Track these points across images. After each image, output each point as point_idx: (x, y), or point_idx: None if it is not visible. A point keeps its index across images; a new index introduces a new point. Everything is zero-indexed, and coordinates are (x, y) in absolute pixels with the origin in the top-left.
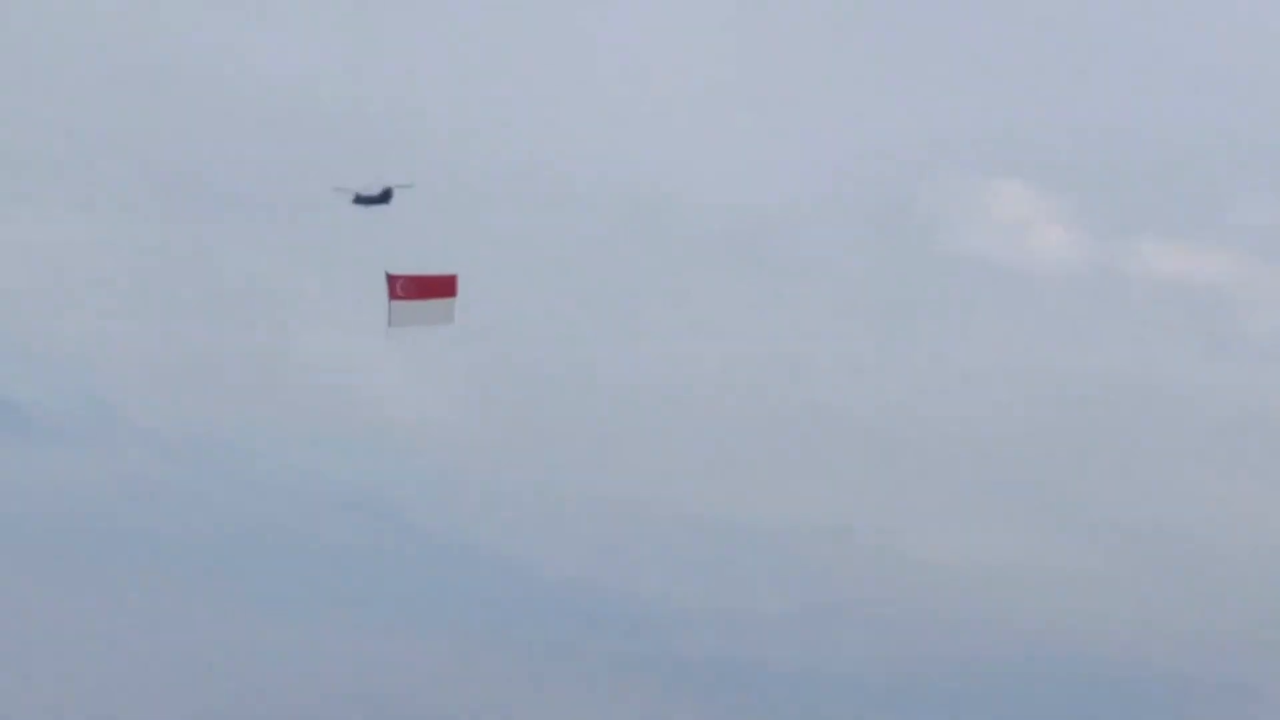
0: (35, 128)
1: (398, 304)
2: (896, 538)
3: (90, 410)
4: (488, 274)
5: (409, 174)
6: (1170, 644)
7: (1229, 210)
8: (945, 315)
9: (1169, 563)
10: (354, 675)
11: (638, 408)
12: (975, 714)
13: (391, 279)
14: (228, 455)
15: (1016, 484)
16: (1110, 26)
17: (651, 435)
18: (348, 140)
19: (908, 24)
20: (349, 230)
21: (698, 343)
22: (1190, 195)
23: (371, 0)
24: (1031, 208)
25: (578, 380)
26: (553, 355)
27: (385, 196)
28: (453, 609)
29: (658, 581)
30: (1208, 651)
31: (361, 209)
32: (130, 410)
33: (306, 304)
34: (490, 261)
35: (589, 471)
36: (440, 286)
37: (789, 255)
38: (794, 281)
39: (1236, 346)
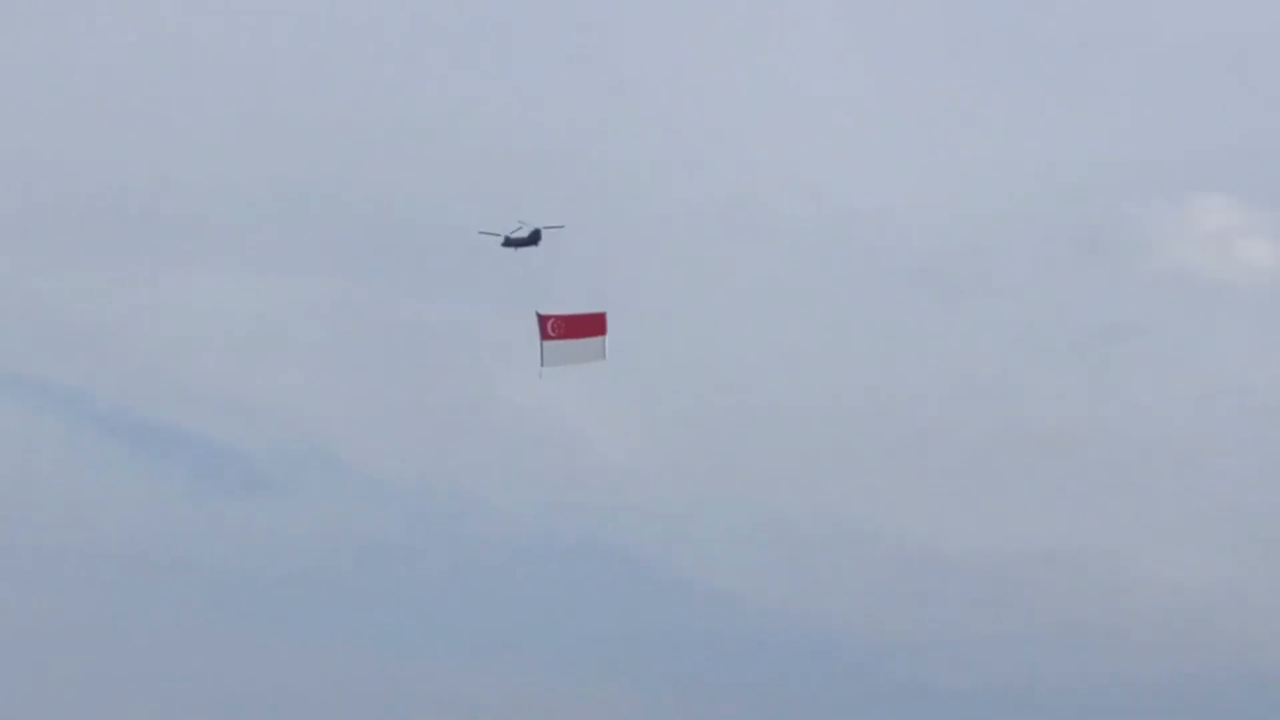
0: (245, 191)
1: (550, 344)
2: (1109, 560)
3: (313, 460)
4: (695, 304)
5: (621, 210)
6: None
7: None
8: (1153, 332)
9: None
10: (578, 714)
11: (848, 435)
12: None
13: (543, 319)
14: (447, 501)
15: (1235, 502)
16: None
17: (862, 462)
18: (546, 180)
19: (1108, 45)
20: (546, 271)
21: (905, 368)
22: None
23: (572, 40)
24: (1236, 221)
25: (784, 409)
26: (757, 384)
27: (534, 238)
28: (669, 644)
29: (871, 610)
30: None
31: (511, 251)
32: (352, 459)
33: (509, 348)
34: (696, 292)
35: (799, 503)
36: (591, 325)
37: (995, 277)
38: (1001, 303)
39: None
